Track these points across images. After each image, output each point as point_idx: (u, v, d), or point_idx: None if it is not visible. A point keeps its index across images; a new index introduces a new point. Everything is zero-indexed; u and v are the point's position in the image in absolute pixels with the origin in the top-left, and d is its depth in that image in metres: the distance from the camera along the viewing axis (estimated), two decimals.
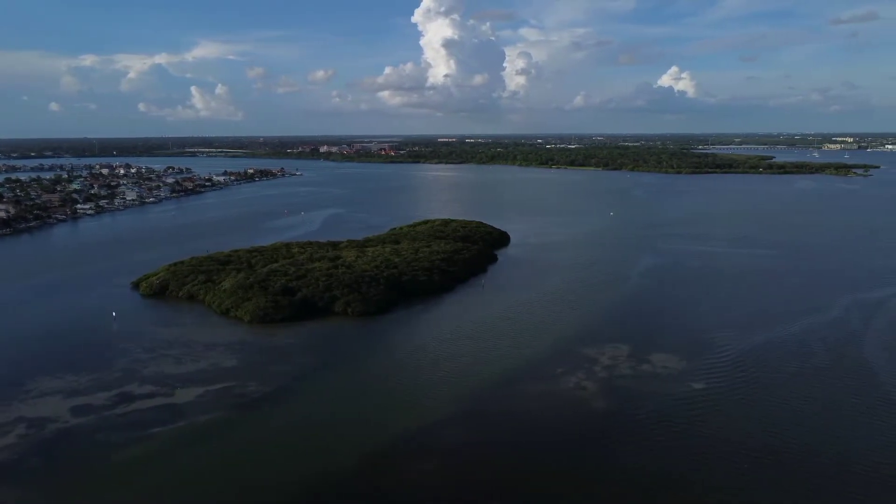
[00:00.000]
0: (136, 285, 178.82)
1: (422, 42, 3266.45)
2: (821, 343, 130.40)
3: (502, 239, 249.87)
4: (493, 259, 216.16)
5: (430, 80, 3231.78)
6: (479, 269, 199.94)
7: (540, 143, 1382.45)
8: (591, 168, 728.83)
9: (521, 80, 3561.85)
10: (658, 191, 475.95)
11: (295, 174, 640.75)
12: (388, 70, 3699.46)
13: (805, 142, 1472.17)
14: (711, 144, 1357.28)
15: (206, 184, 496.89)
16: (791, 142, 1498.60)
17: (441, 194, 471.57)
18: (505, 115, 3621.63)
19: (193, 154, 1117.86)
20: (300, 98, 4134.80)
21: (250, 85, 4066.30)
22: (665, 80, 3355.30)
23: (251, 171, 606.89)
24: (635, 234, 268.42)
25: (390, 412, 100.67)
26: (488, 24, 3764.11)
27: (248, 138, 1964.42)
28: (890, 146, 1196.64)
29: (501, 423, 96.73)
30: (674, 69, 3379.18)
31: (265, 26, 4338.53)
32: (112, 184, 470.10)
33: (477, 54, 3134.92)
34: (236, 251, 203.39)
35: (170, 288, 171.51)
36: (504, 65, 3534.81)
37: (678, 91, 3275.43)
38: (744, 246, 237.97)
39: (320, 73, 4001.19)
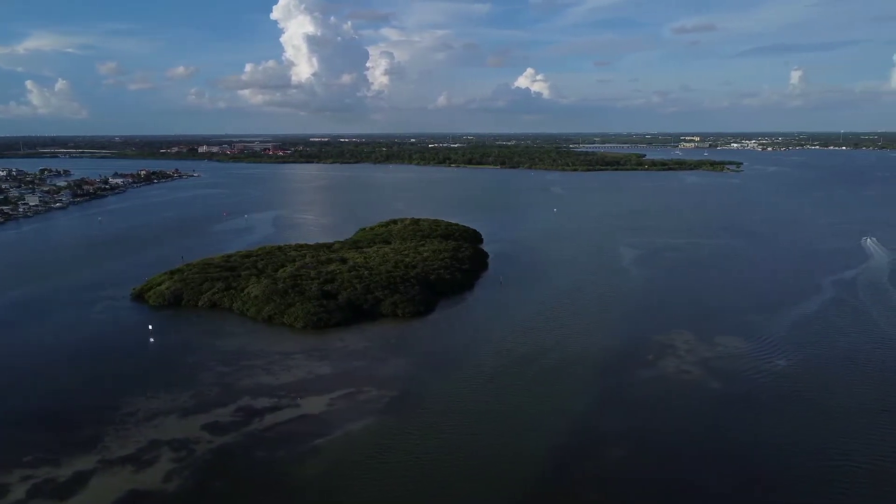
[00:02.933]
0: (137, 296, 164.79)
1: (282, 39, 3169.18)
2: (842, 317, 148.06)
3: (477, 236, 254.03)
4: (487, 255, 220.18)
5: (294, 79, 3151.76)
6: (482, 266, 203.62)
7: (413, 143, 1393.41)
8: (490, 166, 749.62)
9: (385, 79, 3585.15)
10: (573, 187, 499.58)
11: (193, 175, 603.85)
12: (249, 68, 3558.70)
13: (657, 140, 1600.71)
14: (580, 143, 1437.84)
15: (105, 186, 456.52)
16: (643, 140, 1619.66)
17: (368, 194, 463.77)
18: (369, 114, 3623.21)
19: (53, 155, 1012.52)
20: (155, 96, 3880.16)
21: (98, 81, 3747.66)
22: (522, 82, 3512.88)
23: (144, 172, 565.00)
24: (592, 229, 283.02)
25: (534, 405, 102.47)
26: (349, 23, 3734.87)
27: (103, 138, 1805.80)
28: (735, 144, 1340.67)
29: (646, 409, 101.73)
30: (530, 71, 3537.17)
31: (111, 18, 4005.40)
32: None
33: (339, 53, 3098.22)
34: (229, 256, 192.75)
35: (185, 297, 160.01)
36: (367, 64, 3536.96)
37: (535, 92, 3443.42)
38: (700, 237, 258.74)
39: (180, 70, 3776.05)
